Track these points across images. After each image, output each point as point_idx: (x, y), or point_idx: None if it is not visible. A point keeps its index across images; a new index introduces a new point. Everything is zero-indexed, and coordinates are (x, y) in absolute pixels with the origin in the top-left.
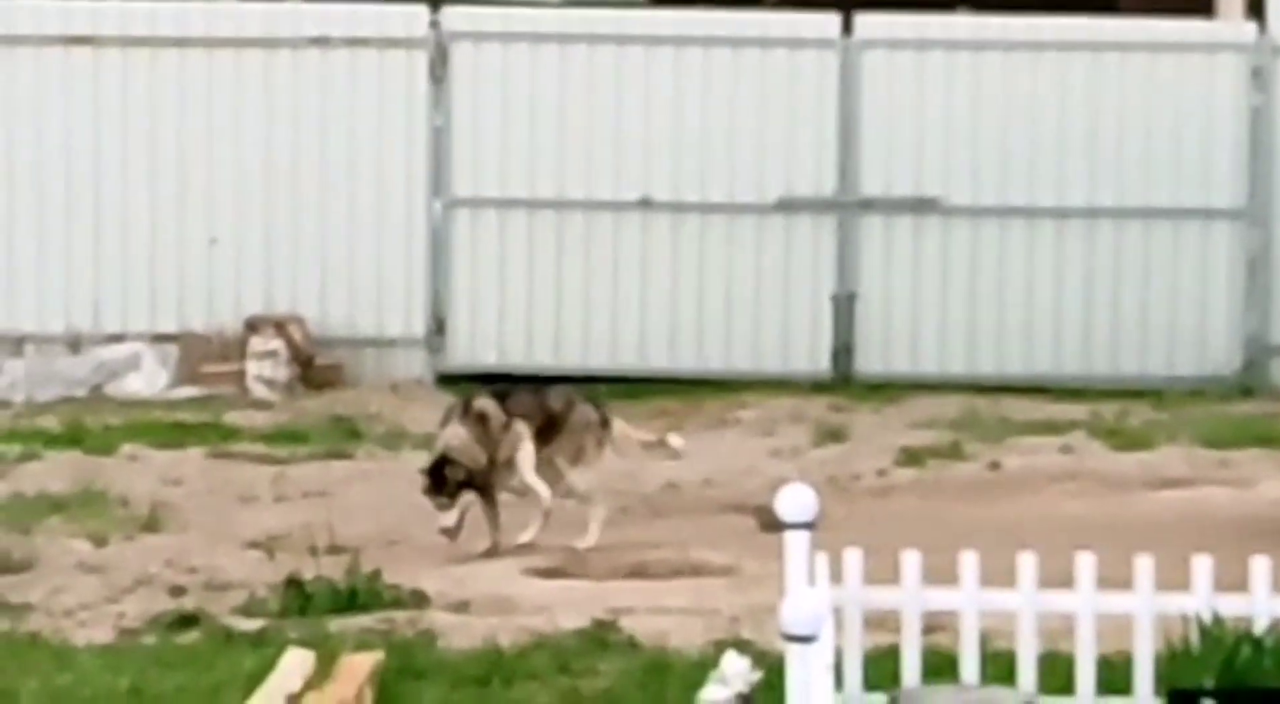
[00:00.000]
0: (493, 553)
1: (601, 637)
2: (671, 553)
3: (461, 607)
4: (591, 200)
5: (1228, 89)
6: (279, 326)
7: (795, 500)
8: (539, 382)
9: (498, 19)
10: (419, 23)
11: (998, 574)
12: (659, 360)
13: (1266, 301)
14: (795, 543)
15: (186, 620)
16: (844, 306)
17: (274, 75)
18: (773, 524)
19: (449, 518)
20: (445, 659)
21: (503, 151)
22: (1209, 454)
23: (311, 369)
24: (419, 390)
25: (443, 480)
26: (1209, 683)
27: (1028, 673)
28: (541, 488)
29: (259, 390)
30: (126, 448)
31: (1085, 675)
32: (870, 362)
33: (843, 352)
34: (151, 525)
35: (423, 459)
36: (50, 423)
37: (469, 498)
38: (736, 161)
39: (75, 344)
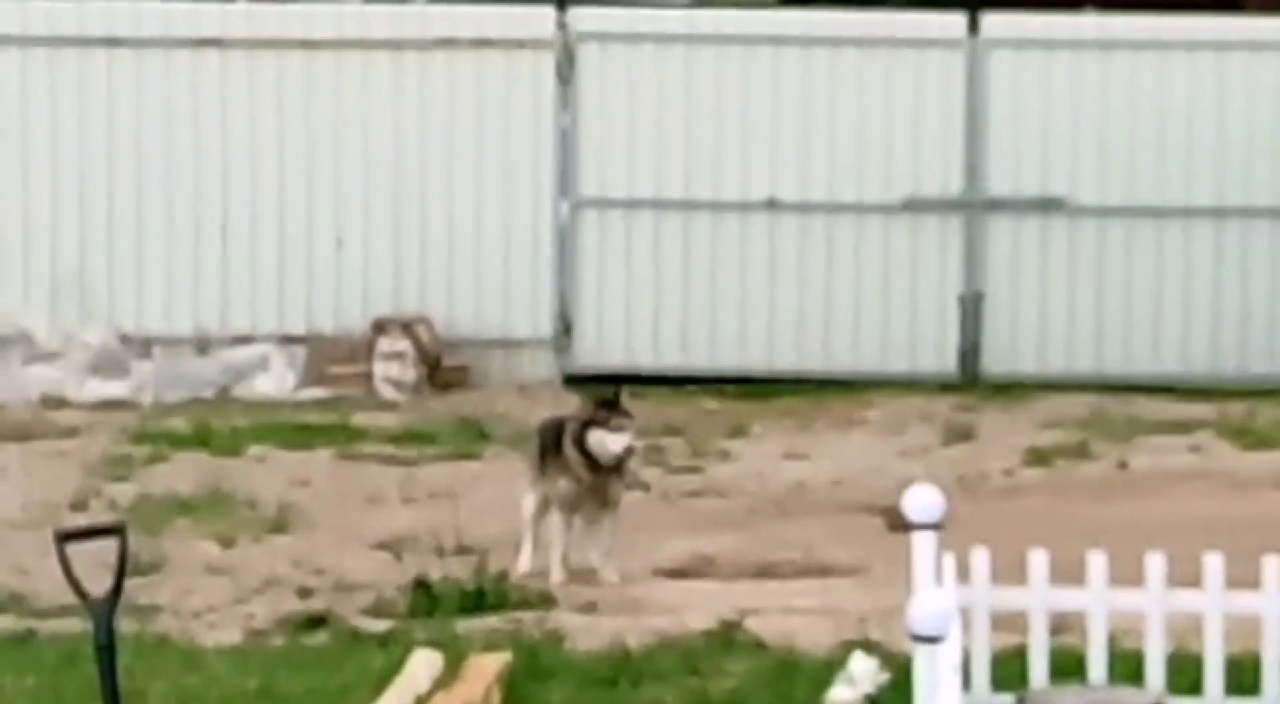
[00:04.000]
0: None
1: (729, 637)
2: (799, 553)
3: (589, 607)
4: (718, 201)
5: None
6: (406, 328)
7: (922, 500)
8: (667, 382)
9: (624, 20)
10: (546, 23)
11: (1126, 574)
12: (786, 361)
13: None
14: (923, 543)
15: (314, 622)
16: (971, 306)
17: (401, 77)
18: (900, 524)
19: (627, 436)
20: (572, 660)
21: (629, 152)
22: None
23: (438, 370)
24: (546, 391)
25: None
26: None
27: (1156, 673)
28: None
29: (386, 391)
30: (254, 449)
31: (1213, 676)
32: (997, 361)
33: (970, 351)
34: (279, 527)
35: None
36: (178, 424)
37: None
38: (863, 162)
39: (203, 346)
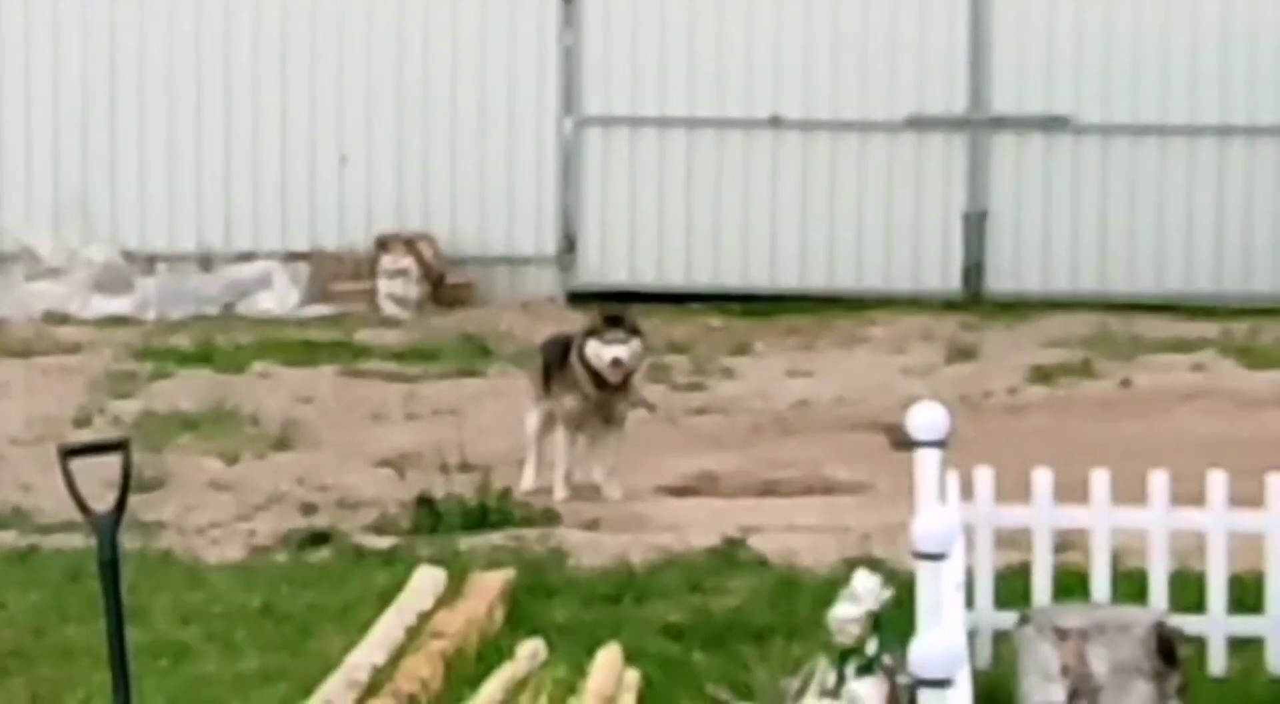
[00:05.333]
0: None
1: (732, 554)
2: (802, 471)
3: (592, 524)
4: (722, 118)
5: None
6: (410, 245)
7: (926, 418)
8: (670, 299)
9: None
10: None
11: (1129, 492)
12: (789, 278)
13: None
14: (926, 461)
15: (318, 538)
16: (975, 225)
17: None
18: (904, 442)
19: (622, 349)
20: (576, 577)
21: (633, 70)
22: None
23: (442, 287)
24: (550, 308)
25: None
26: None
27: (1159, 591)
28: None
29: (390, 308)
30: (258, 366)
31: (1217, 593)
32: (1001, 280)
33: (974, 270)
34: (282, 443)
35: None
36: (182, 341)
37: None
38: (867, 79)
39: (207, 262)
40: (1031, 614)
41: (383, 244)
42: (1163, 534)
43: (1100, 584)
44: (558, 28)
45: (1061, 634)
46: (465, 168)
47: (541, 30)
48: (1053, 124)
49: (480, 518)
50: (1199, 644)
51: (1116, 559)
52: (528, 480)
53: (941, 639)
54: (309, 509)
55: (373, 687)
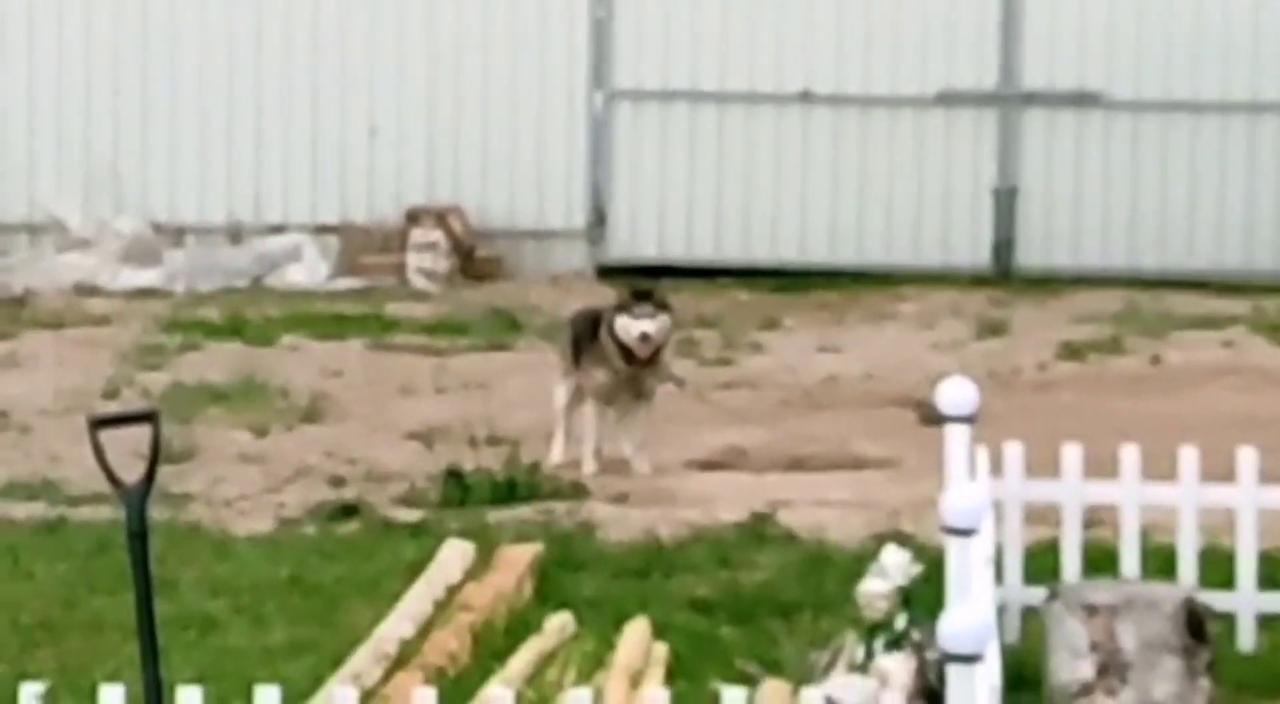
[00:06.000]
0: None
1: (760, 529)
2: (831, 446)
3: (620, 498)
4: (753, 93)
5: None
6: (439, 218)
7: (956, 394)
8: (700, 274)
9: None
10: None
11: (1158, 469)
12: (819, 253)
13: None
14: (955, 436)
15: (346, 511)
16: (1005, 200)
17: None
18: (933, 417)
19: (650, 324)
20: (604, 551)
21: (664, 44)
22: None
23: (472, 261)
24: (579, 282)
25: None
26: None
27: (1188, 567)
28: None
29: (419, 282)
30: (287, 339)
31: (1246, 570)
32: (1031, 255)
33: (1004, 245)
34: (311, 416)
35: None
36: (211, 314)
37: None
38: (898, 55)
39: (236, 235)
40: (1061, 590)
41: (412, 217)
42: (1192, 510)
43: (1130, 560)
44: (589, 1)
45: (1091, 610)
46: (495, 141)
47: (572, 3)
48: (1084, 100)
49: (509, 491)
50: (1228, 620)
51: (1146, 535)
52: (556, 454)
53: (970, 615)
54: (337, 482)
55: (401, 659)
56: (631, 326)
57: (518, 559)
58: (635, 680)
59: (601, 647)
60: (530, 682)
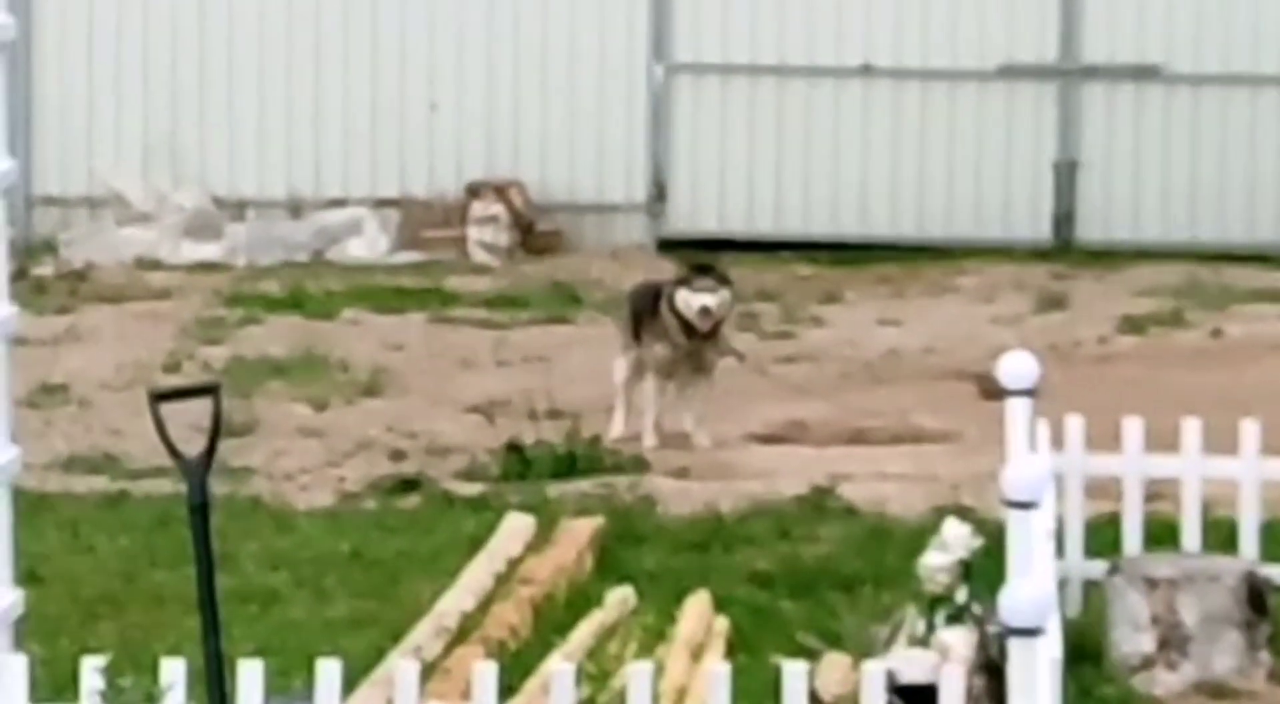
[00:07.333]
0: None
1: (821, 503)
2: (891, 419)
3: (681, 472)
4: (813, 66)
5: None
6: (500, 192)
7: (1017, 367)
8: (760, 248)
9: None
10: None
11: (1220, 442)
12: (880, 227)
13: None
14: (1016, 410)
15: (407, 485)
16: (1065, 174)
17: None
18: (994, 391)
19: (710, 297)
20: (665, 524)
21: (724, 17)
22: None
23: (532, 234)
24: (639, 256)
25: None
26: None
27: (1249, 541)
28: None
29: (480, 255)
30: (347, 313)
31: None
32: (1091, 229)
33: (1064, 219)
34: (372, 390)
35: None
36: (271, 287)
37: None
38: (958, 28)
39: (296, 209)
40: (1121, 564)
41: (473, 191)
42: (1253, 484)
43: (1190, 534)
44: None
45: (1151, 584)
46: (555, 115)
47: None
48: (1144, 73)
49: (569, 465)
50: None
51: (1207, 509)
52: (616, 428)
53: (1031, 588)
54: (398, 456)
55: (462, 633)
56: (692, 300)
57: (578, 533)
58: (696, 654)
59: (662, 620)
60: (591, 655)
